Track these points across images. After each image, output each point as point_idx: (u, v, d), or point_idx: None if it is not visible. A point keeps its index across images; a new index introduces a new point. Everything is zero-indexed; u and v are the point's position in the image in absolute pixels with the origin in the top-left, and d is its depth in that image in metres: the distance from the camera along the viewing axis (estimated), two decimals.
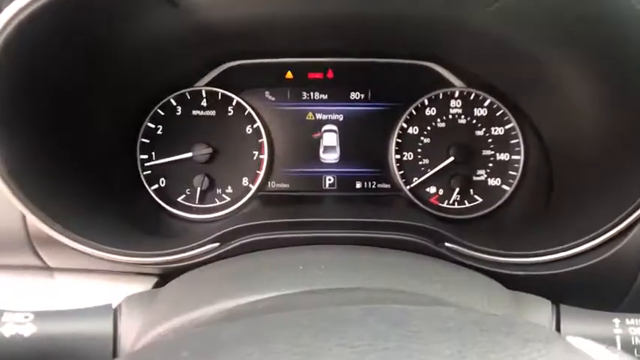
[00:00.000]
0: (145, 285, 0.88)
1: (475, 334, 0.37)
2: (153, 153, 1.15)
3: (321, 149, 1.17)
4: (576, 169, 0.97)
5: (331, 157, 1.17)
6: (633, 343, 0.63)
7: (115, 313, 0.68)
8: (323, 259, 0.69)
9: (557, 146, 1.05)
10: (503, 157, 1.15)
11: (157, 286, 0.88)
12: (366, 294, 0.56)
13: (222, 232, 0.86)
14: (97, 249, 0.83)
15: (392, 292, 0.59)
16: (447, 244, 0.86)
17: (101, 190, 1.00)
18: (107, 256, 0.83)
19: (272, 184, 1.16)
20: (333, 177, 1.17)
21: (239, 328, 0.41)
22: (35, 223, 0.80)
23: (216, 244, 0.86)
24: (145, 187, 1.14)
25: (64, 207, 0.84)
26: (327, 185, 1.17)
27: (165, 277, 0.88)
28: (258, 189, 1.15)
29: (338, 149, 1.17)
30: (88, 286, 0.89)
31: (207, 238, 0.86)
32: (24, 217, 0.82)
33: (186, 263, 0.86)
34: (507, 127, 1.15)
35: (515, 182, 1.14)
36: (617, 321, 0.64)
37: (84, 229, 0.84)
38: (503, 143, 1.15)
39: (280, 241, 0.83)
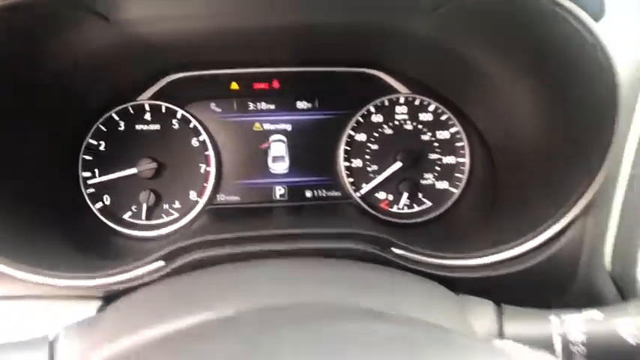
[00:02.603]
0: (87, 310, 0.85)
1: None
2: (96, 170, 1.11)
3: (270, 160, 1.16)
4: (518, 171, 1.00)
5: (280, 168, 1.16)
6: (570, 339, 0.65)
7: (52, 346, 0.65)
8: (268, 274, 0.68)
9: (500, 149, 1.08)
10: (449, 160, 1.17)
11: (100, 310, 0.85)
12: (305, 309, 0.55)
13: (167, 249, 0.83)
14: (30, 272, 0.79)
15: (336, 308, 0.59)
16: (394, 249, 0.86)
17: (40, 212, 0.96)
18: (43, 280, 0.80)
19: (221, 197, 1.15)
20: (284, 187, 1.16)
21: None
22: None
23: (162, 263, 0.84)
24: (89, 206, 1.11)
25: None
26: (277, 196, 1.16)
27: (109, 299, 0.85)
28: (207, 203, 1.13)
29: (287, 159, 1.16)
30: (23, 314, 0.85)
31: (152, 257, 0.83)
32: None
33: (130, 284, 0.83)
34: (452, 130, 1.17)
35: (463, 184, 1.16)
36: (554, 318, 0.66)
37: (16, 252, 0.80)
38: (449, 147, 1.17)
39: (228, 256, 0.82)
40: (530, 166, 0.95)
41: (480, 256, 0.85)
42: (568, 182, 0.82)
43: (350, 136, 1.16)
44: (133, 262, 0.84)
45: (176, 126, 1.13)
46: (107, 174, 1.11)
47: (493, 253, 0.84)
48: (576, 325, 0.65)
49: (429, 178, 1.17)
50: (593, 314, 0.66)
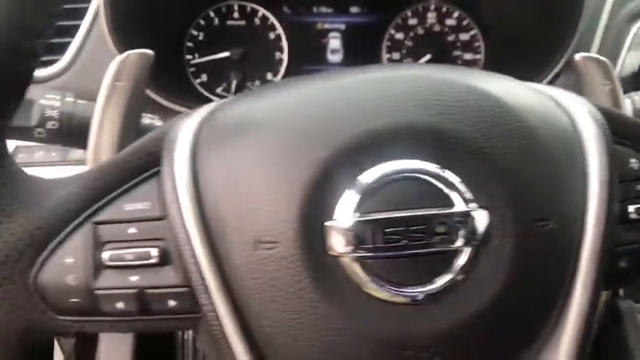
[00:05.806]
0: None
1: None
2: (196, 54, 1.46)
3: (329, 52, 1.50)
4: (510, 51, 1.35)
5: (336, 58, 1.50)
6: None
7: None
8: None
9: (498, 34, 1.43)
10: (468, 56, 1.50)
11: None
12: None
13: None
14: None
15: None
16: None
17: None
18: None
19: None
20: None
21: None
22: None
23: None
24: (192, 82, 1.46)
25: None
26: None
27: None
28: None
29: (342, 52, 1.50)
30: None
31: None
32: None
33: None
34: (472, 33, 1.49)
35: None
36: None
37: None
38: (468, 46, 1.49)
39: None
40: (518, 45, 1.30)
41: None
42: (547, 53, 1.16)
43: (391, 35, 1.49)
44: None
45: (257, 22, 1.47)
46: (204, 57, 1.46)
47: None
48: None
49: None
50: None
